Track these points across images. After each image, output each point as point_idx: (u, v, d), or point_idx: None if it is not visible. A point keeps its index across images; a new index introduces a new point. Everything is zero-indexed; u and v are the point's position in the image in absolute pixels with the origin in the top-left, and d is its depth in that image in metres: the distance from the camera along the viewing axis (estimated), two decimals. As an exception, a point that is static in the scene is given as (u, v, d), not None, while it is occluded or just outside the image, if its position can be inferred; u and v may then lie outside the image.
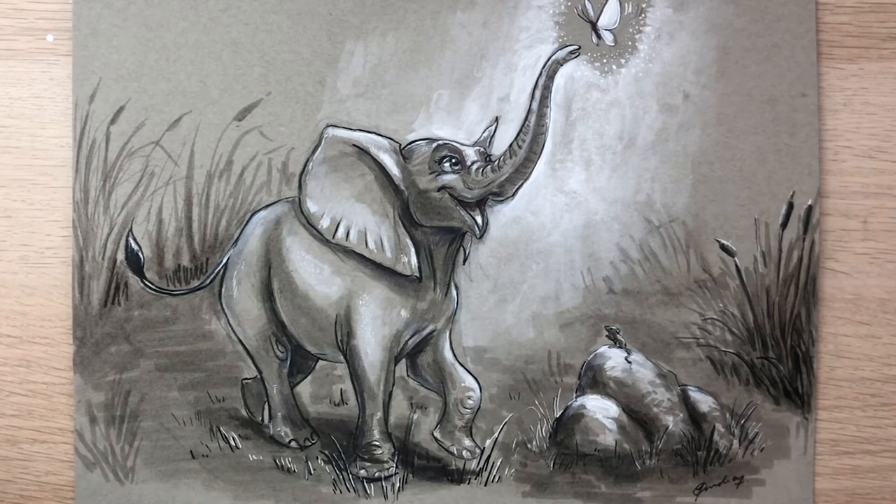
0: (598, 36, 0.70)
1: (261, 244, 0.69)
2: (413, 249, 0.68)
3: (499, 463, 0.70)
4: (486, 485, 0.70)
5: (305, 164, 0.68)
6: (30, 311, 0.70)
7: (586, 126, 0.70)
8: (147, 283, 0.69)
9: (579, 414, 0.70)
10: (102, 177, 0.68)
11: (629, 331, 0.70)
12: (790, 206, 0.70)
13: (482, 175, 0.66)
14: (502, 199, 0.68)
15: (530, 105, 0.66)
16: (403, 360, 0.71)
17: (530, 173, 0.67)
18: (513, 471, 0.70)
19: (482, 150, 0.68)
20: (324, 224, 0.68)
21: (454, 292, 0.70)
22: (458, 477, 0.70)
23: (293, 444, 0.70)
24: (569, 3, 0.70)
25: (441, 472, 0.70)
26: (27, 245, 0.70)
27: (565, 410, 0.70)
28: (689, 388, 0.70)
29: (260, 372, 0.70)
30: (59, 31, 0.69)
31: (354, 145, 0.68)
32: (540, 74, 0.67)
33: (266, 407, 0.71)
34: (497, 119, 0.69)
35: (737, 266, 0.70)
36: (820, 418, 0.71)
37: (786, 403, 0.70)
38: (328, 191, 0.68)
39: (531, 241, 0.70)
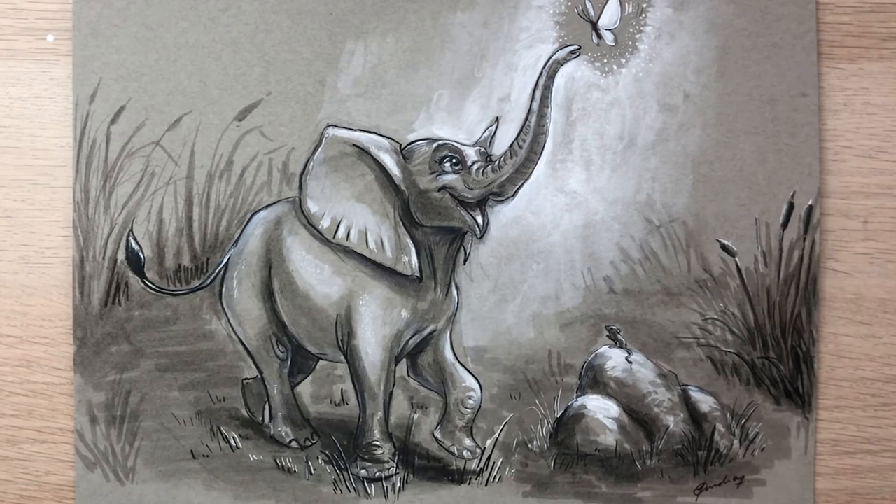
0: (599, 36, 0.70)
1: (261, 244, 0.69)
2: (413, 249, 0.68)
3: (499, 463, 0.70)
4: (486, 485, 0.70)
5: (306, 164, 0.68)
6: (30, 312, 0.70)
7: (587, 126, 0.70)
8: (147, 283, 0.69)
9: (580, 414, 0.70)
10: (103, 177, 0.68)
11: (630, 331, 0.70)
12: (791, 206, 0.70)
13: (483, 175, 0.66)
14: (503, 199, 0.68)
15: (531, 105, 0.66)
16: (404, 360, 0.71)
17: (531, 173, 0.67)
18: (513, 471, 0.70)
19: (483, 150, 0.68)
20: (324, 224, 0.68)
21: (455, 292, 0.70)
22: (458, 477, 0.70)
23: (294, 444, 0.70)
24: (569, 3, 0.70)
25: (441, 472, 0.70)
26: (27, 245, 0.70)
27: (566, 410, 0.70)
28: (689, 388, 0.70)
29: (260, 372, 0.70)
30: (59, 31, 0.69)
31: (355, 145, 0.68)
32: (540, 74, 0.67)
33: (266, 407, 0.71)
34: (497, 119, 0.69)
35: (737, 266, 0.70)
36: (820, 418, 0.71)
37: (786, 403, 0.70)
38: (329, 191, 0.68)
39: (531, 241, 0.70)
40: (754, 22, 0.69)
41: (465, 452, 0.70)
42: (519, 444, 0.70)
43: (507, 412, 0.70)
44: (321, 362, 0.71)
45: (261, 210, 0.69)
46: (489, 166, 0.67)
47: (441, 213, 0.67)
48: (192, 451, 0.69)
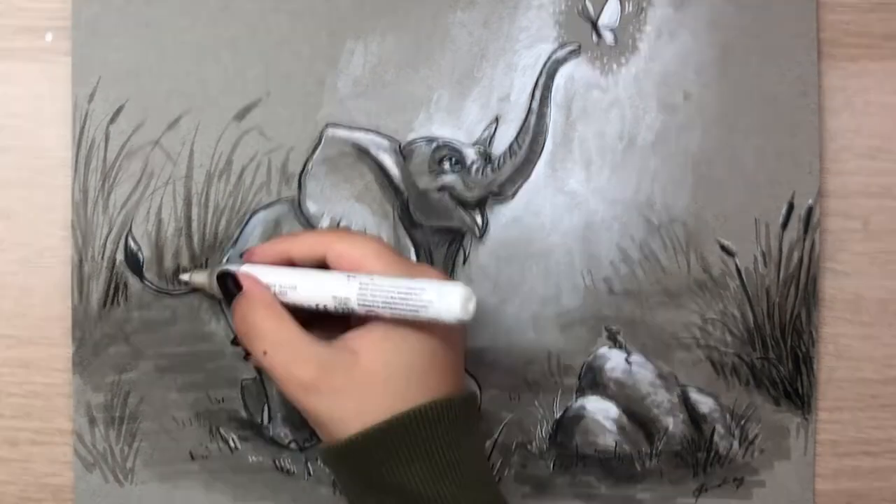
0: (599, 35, 0.70)
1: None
2: (413, 250, 0.68)
3: (499, 464, 0.70)
4: (485, 485, 0.70)
5: (305, 164, 0.68)
6: (29, 312, 0.69)
7: (586, 126, 0.69)
8: (147, 282, 0.69)
9: (579, 415, 0.70)
10: (102, 177, 0.68)
11: (629, 331, 0.70)
12: (790, 207, 0.69)
13: (482, 175, 0.66)
14: (502, 199, 0.68)
15: (530, 105, 0.66)
16: (403, 361, 0.70)
17: (530, 173, 0.67)
18: (513, 472, 0.70)
19: (482, 149, 0.68)
20: (323, 224, 0.68)
21: (454, 293, 0.69)
22: (457, 477, 0.70)
23: (293, 445, 0.70)
24: (569, 3, 0.69)
25: (441, 472, 0.70)
26: (26, 245, 0.69)
27: (565, 411, 0.70)
28: (689, 389, 0.70)
29: (259, 373, 0.70)
30: (58, 31, 0.69)
31: (354, 145, 0.68)
32: (540, 74, 0.67)
33: (266, 408, 0.71)
34: (497, 119, 0.69)
35: (737, 266, 0.70)
36: (820, 419, 0.71)
37: (786, 404, 0.70)
38: (328, 191, 0.68)
39: (531, 242, 0.70)
40: (754, 21, 0.69)
41: (464, 453, 0.70)
42: (518, 445, 0.70)
43: (506, 413, 0.70)
44: (320, 363, 0.71)
45: (260, 210, 0.69)
46: (489, 166, 0.67)
47: (440, 213, 0.67)
48: (191, 453, 0.69)
